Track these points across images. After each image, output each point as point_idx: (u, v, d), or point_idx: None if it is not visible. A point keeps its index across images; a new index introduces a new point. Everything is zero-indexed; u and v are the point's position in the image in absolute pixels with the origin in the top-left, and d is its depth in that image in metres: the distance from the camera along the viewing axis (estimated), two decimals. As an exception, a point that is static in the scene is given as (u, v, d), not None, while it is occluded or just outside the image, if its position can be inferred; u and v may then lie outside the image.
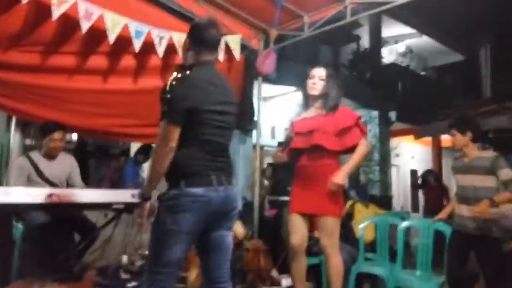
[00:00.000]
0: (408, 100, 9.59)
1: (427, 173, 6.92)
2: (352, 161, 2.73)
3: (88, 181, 3.54)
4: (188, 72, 1.92)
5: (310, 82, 2.86)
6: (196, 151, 1.84)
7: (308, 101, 2.94)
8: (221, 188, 1.85)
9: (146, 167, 4.99)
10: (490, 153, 3.08)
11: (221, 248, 1.91)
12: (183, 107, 1.78)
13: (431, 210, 5.73)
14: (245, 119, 4.72)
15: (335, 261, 2.73)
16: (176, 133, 1.78)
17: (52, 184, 3.20)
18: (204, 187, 1.80)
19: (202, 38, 1.93)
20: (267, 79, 4.70)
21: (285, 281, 3.47)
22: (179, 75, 1.91)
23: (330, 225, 2.71)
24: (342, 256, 2.80)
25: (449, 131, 3.18)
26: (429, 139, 9.71)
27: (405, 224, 3.65)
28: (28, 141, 4.15)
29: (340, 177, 2.66)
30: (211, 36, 1.94)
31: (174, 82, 1.87)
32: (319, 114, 2.83)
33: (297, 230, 2.76)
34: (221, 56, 3.87)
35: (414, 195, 10.64)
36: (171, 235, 1.77)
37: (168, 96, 1.83)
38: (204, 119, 1.83)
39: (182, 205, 1.76)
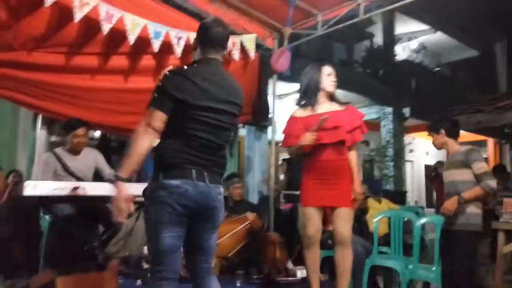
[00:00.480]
0: (421, 96, 9.54)
1: (438, 164, 6.49)
2: (357, 168, 2.95)
3: (112, 177, 3.67)
4: (186, 67, 1.93)
5: (329, 79, 2.91)
6: (179, 144, 1.82)
7: (313, 97, 2.93)
8: (200, 183, 1.81)
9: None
10: (465, 147, 3.09)
11: (203, 250, 1.92)
12: (171, 96, 1.79)
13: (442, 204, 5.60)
14: (260, 116, 4.82)
15: (349, 251, 2.82)
16: (159, 117, 1.78)
17: (77, 178, 3.35)
18: (181, 179, 1.78)
19: (207, 36, 1.95)
20: (282, 77, 4.78)
21: (300, 272, 3.54)
22: (176, 68, 1.93)
23: (348, 214, 2.83)
24: (357, 249, 2.89)
25: (429, 135, 3.27)
26: (443, 135, 9.63)
27: (422, 220, 3.70)
28: (53, 138, 4.32)
29: (359, 186, 2.90)
30: (216, 34, 1.94)
31: (168, 73, 1.86)
32: (334, 110, 2.88)
33: (312, 222, 2.83)
34: (236, 55, 3.97)
35: (428, 190, 10.59)
36: (155, 225, 1.80)
37: (160, 84, 1.84)
38: (193, 114, 1.82)
39: (161, 196, 1.77)
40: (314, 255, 2.87)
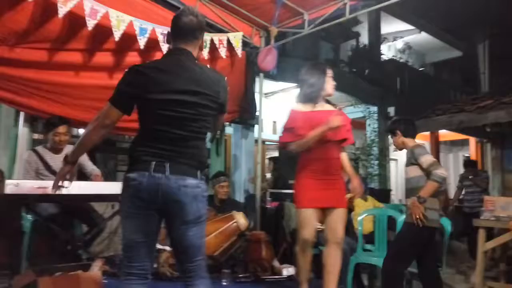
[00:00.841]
0: (406, 95, 9.67)
1: None
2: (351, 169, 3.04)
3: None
4: (147, 62, 1.96)
5: (331, 82, 2.94)
6: (142, 139, 1.83)
7: (317, 96, 2.90)
8: (158, 175, 1.74)
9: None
10: (413, 144, 3.18)
11: (183, 249, 1.84)
12: (125, 92, 1.80)
13: None
14: (247, 114, 4.82)
15: (340, 251, 2.84)
16: (112, 114, 1.79)
17: (60, 176, 3.29)
18: (137, 172, 1.76)
19: (177, 26, 1.91)
20: (268, 75, 4.79)
21: (286, 271, 3.56)
22: (136, 64, 1.90)
23: (344, 214, 2.87)
24: (342, 247, 2.91)
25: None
26: (427, 133, 9.79)
27: (403, 217, 3.75)
28: (36, 136, 4.24)
29: (360, 185, 2.97)
30: (185, 24, 1.88)
31: (126, 70, 1.86)
32: (330, 110, 2.90)
33: (310, 225, 2.77)
34: (223, 52, 3.97)
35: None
36: (121, 219, 1.87)
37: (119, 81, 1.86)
38: (152, 108, 1.80)
39: (123, 191, 1.80)
40: (308, 257, 2.84)
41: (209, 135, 2.07)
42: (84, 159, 3.51)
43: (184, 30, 1.88)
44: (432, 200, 2.99)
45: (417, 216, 2.89)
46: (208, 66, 2.09)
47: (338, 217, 2.80)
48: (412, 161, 3.08)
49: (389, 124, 3.48)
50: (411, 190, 3.07)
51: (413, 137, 3.24)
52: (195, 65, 1.89)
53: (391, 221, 4.24)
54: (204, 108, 1.85)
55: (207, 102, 1.85)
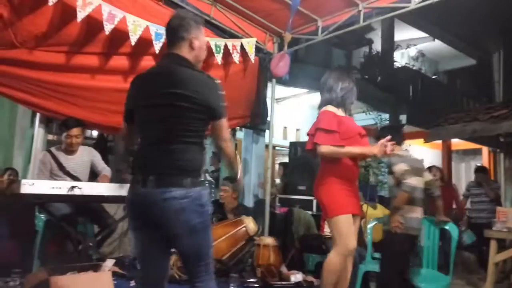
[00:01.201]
0: (419, 103, 9.59)
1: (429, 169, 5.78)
2: None
3: (108, 175, 3.68)
4: None
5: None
6: (136, 151, 1.91)
7: (349, 103, 2.88)
8: (143, 190, 1.74)
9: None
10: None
11: (183, 256, 1.86)
12: (125, 106, 1.94)
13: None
14: (258, 119, 4.84)
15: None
16: (124, 126, 1.98)
17: (73, 177, 3.35)
18: (130, 188, 1.84)
19: (166, 32, 1.95)
20: (280, 81, 4.80)
21: (294, 277, 3.56)
22: None
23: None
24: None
25: None
26: (439, 142, 9.71)
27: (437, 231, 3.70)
28: (50, 137, 4.32)
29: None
30: (167, 28, 1.92)
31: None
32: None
33: (353, 232, 2.67)
34: (236, 58, 4.00)
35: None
36: None
37: None
38: (136, 117, 1.87)
39: None
40: (351, 267, 2.76)
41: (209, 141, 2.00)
42: (97, 158, 3.57)
43: (168, 34, 1.92)
44: (410, 208, 3.09)
45: (393, 225, 3.04)
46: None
47: (358, 225, 2.83)
48: (390, 169, 3.22)
49: (379, 131, 3.56)
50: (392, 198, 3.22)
51: (400, 144, 3.31)
52: (179, 67, 1.83)
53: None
54: (181, 109, 1.76)
55: (184, 103, 1.76)
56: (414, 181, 3.06)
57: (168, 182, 1.73)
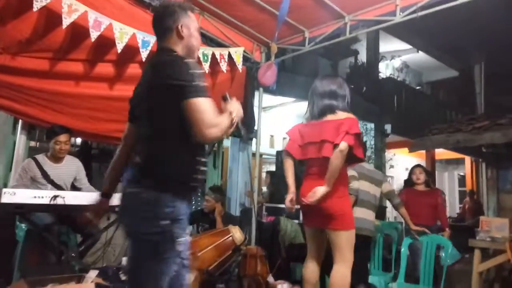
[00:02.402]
0: (403, 113, 9.76)
1: (412, 168, 4.59)
2: None
3: (92, 184, 3.61)
4: None
5: None
6: None
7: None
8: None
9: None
10: None
11: None
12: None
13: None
14: (246, 128, 4.83)
15: None
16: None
17: (57, 186, 3.28)
18: None
19: None
20: (267, 90, 4.82)
21: (281, 286, 3.54)
22: None
23: None
24: None
25: None
26: (423, 152, 9.86)
27: (409, 241, 3.74)
28: (33, 143, 4.22)
29: None
30: (153, 18, 1.80)
31: None
32: None
33: None
34: (223, 67, 4.00)
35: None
36: None
37: None
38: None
39: None
40: None
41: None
42: (82, 174, 3.51)
43: (154, 26, 1.79)
44: (358, 210, 3.37)
45: None
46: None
47: None
48: None
49: None
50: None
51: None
52: (155, 58, 1.74)
53: (386, 238, 4.25)
54: (143, 100, 1.67)
55: (143, 92, 1.67)
56: (356, 185, 3.41)
57: (129, 179, 1.61)
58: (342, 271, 2.54)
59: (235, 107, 1.71)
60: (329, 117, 2.65)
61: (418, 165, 4.52)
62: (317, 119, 2.70)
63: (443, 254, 3.42)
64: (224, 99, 1.77)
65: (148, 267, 1.52)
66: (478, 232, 3.76)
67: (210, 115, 1.54)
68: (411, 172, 4.40)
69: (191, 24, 1.77)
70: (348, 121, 2.55)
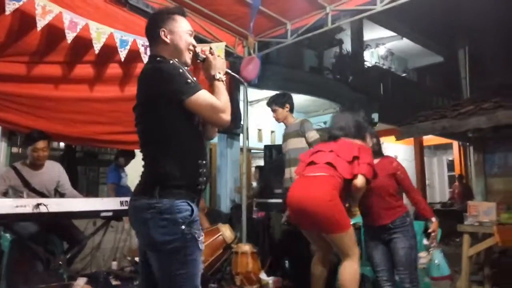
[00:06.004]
0: (390, 101, 9.78)
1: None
2: None
3: (78, 187, 3.54)
4: None
5: None
6: None
7: None
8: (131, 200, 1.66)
9: (127, 170, 4.96)
10: (299, 119, 3.77)
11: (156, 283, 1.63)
12: None
13: None
14: (232, 123, 4.79)
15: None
16: None
17: (39, 193, 3.20)
18: None
19: None
20: (251, 84, 4.78)
21: (273, 282, 3.53)
22: None
23: None
24: (330, 258, 2.88)
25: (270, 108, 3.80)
26: (411, 138, 9.91)
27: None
28: (15, 149, 4.13)
29: None
30: (145, 28, 1.78)
31: None
32: None
33: None
34: (206, 62, 3.94)
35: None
36: None
37: None
38: None
39: None
40: None
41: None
42: (64, 178, 3.43)
43: (146, 34, 1.79)
44: None
45: None
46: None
47: None
48: (299, 133, 3.55)
49: (275, 96, 3.85)
50: (294, 160, 3.46)
51: (292, 112, 3.80)
52: (145, 68, 1.74)
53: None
54: (138, 110, 1.68)
55: (138, 101, 1.67)
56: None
57: (137, 190, 1.64)
58: (350, 265, 2.55)
59: (218, 64, 1.77)
60: (342, 139, 2.76)
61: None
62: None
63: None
64: (201, 59, 1.80)
65: (180, 273, 1.54)
66: (466, 217, 3.79)
67: (216, 100, 1.62)
68: None
69: (177, 28, 1.75)
70: (361, 147, 2.65)
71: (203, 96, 1.59)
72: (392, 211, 2.83)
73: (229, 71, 1.83)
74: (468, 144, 8.90)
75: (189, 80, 1.59)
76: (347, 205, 2.75)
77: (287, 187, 3.35)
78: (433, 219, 2.89)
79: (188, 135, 1.64)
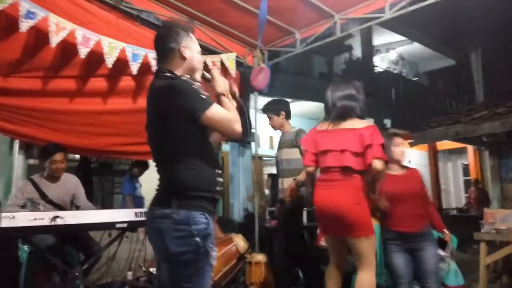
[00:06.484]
0: (402, 106, 9.71)
1: None
2: None
3: (93, 197, 3.60)
4: None
5: None
6: None
7: None
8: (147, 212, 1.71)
9: (142, 180, 5.02)
10: (295, 128, 3.60)
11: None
12: None
13: None
14: (243, 132, 4.81)
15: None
16: None
17: (56, 206, 3.26)
18: None
19: None
20: (261, 93, 4.80)
21: (288, 292, 3.51)
22: None
23: None
24: (346, 267, 2.84)
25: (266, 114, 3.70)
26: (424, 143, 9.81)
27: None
28: (31, 161, 4.22)
29: None
30: (156, 39, 1.80)
31: None
32: None
33: None
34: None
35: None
36: None
37: None
38: None
39: None
40: None
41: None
42: (80, 191, 3.49)
43: (156, 47, 1.80)
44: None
45: (289, 198, 3.27)
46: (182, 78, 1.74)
47: None
48: (294, 143, 3.43)
49: (270, 103, 3.72)
50: (293, 170, 3.40)
51: (289, 120, 3.67)
52: (156, 81, 1.74)
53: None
54: (152, 125, 1.71)
55: (149, 115, 1.72)
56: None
57: (154, 200, 1.67)
58: (367, 276, 2.50)
59: (221, 83, 1.79)
60: (347, 124, 2.59)
61: None
62: (335, 121, 2.63)
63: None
64: (206, 79, 1.83)
65: (188, 287, 1.55)
66: (482, 224, 3.72)
67: (228, 113, 1.68)
68: None
69: (193, 45, 1.79)
70: (369, 131, 2.52)
71: (217, 110, 1.64)
72: (423, 218, 2.83)
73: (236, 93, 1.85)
74: (483, 148, 8.76)
75: (203, 96, 1.64)
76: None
77: (282, 199, 3.44)
78: (446, 231, 2.93)
79: (203, 147, 1.69)
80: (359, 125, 2.55)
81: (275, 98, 4.03)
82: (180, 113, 1.62)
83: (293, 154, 3.45)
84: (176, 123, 1.63)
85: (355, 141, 2.51)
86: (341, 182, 2.53)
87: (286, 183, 3.38)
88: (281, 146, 3.64)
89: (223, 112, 1.66)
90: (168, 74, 1.72)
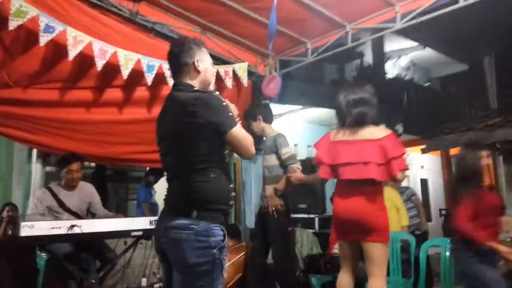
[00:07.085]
0: (414, 112, 9.63)
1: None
2: None
3: (108, 204, 3.67)
4: None
5: None
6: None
7: None
8: (159, 221, 1.74)
9: (157, 188, 5.09)
10: (275, 132, 3.41)
11: None
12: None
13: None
14: (255, 140, 4.85)
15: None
16: None
17: (73, 213, 3.34)
18: None
19: None
20: (272, 101, 4.84)
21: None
22: None
23: None
24: (359, 274, 2.84)
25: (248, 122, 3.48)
26: (437, 149, 9.70)
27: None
28: (49, 168, 4.31)
29: None
30: (170, 55, 1.85)
31: None
32: None
33: None
34: (229, 83, 4.05)
35: (426, 205, 10.61)
36: None
37: None
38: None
39: None
40: None
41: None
42: (96, 200, 3.56)
43: (171, 62, 1.85)
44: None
45: (273, 209, 3.19)
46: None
47: None
48: (273, 149, 3.28)
49: (247, 109, 3.59)
50: (274, 177, 3.28)
51: (271, 123, 3.48)
52: (174, 94, 1.78)
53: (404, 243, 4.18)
54: (174, 135, 1.72)
55: (174, 126, 1.72)
56: (298, 165, 3.20)
57: (171, 211, 1.69)
58: (380, 284, 2.51)
59: (233, 109, 1.84)
60: (365, 132, 2.57)
61: None
62: (352, 129, 2.61)
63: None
64: None
65: None
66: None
67: (248, 135, 1.77)
68: None
69: (205, 59, 1.85)
70: (390, 141, 2.52)
71: (241, 129, 1.73)
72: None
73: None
74: (497, 153, 8.64)
75: (231, 114, 1.72)
76: None
77: (265, 205, 3.38)
78: None
79: (222, 161, 1.76)
80: (378, 134, 2.54)
81: (252, 103, 4.00)
82: (208, 126, 1.66)
83: (273, 160, 3.34)
84: (201, 134, 1.66)
85: (377, 152, 2.50)
86: (363, 190, 2.53)
87: (268, 190, 3.32)
88: (263, 152, 3.54)
89: (245, 133, 1.74)
90: (192, 87, 1.78)
